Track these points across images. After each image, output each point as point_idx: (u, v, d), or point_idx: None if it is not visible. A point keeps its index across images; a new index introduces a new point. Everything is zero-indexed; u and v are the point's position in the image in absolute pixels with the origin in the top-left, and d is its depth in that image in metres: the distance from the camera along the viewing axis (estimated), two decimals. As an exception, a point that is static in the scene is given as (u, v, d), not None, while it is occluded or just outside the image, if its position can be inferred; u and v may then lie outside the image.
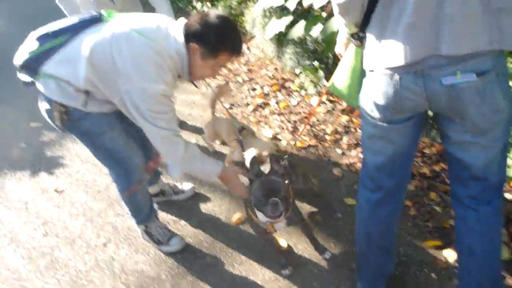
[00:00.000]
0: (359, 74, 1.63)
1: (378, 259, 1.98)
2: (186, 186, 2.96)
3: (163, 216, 2.80)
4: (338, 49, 1.92)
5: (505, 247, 2.24)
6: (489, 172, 1.59)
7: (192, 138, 3.58)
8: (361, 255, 2.00)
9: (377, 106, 1.55)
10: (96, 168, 3.36)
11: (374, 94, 1.55)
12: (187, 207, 2.88)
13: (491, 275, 1.75)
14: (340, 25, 1.79)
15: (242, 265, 2.43)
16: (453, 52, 1.34)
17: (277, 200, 1.91)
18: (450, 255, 2.35)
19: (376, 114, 1.58)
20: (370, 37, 1.52)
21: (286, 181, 2.07)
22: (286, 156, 2.21)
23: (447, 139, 1.60)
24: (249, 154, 2.55)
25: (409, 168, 1.82)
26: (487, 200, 1.65)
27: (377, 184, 1.77)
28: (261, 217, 2.05)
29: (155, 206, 2.64)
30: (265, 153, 2.49)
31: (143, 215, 2.53)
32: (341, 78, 1.69)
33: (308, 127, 3.58)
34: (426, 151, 3.12)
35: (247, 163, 2.45)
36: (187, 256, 2.51)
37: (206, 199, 2.94)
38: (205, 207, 2.87)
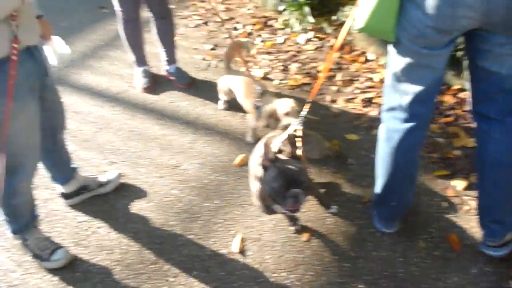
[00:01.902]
0: (397, 4, 1.53)
1: (402, 189, 1.97)
2: (111, 175, 2.51)
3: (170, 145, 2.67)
4: None
5: None
6: None
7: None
8: (385, 187, 1.97)
9: (427, 30, 1.48)
10: (79, 116, 3.14)
11: (425, 18, 1.46)
12: (187, 151, 2.76)
13: None
14: None
15: (252, 206, 2.36)
16: None
17: (298, 191, 1.70)
18: (458, 183, 2.38)
19: (422, 40, 1.52)
20: None
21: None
22: (301, 120, 2.01)
23: (484, 54, 1.58)
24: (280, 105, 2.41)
25: (438, 92, 1.79)
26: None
27: (411, 113, 1.73)
28: (278, 208, 1.86)
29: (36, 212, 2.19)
30: (285, 110, 2.37)
31: (22, 223, 2.08)
32: (373, 14, 1.56)
33: (298, 65, 3.47)
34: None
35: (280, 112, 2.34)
36: (193, 201, 2.42)
37: (204, 142, 2.82)
38: (204, 150, 2.75)
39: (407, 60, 1.61)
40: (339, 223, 2.24)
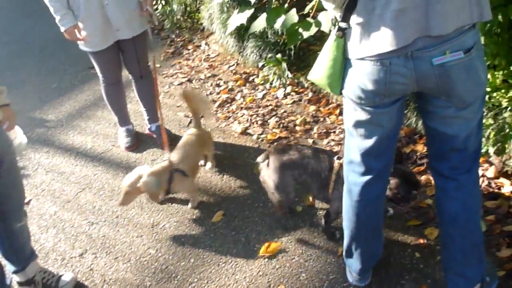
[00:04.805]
0: (340, 64, 1.63)
1: (368, 241, 2.00)
2: (66, 277, 2.34)
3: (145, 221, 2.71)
4: None
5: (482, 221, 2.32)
6: (469, 142, 1.66)
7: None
8: (351, 239, 2.01)
9: (365, 92, 1.56)
10: (62, 177, 3.21)
11: (362, 81, 1.54)
12: (166, 209, 2.80)
13: (473, 239, 1.83)
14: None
15: (227, 264, 2.39)
16: (442, 31, 1.37)
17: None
18: (431, 232, 2.41)
19: (363, 100, 1.59)
20: (355, 26, 1.50)
21: None
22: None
23: (430, 115, 1.65)
24: None
25: (395, 147, 1.85)
26: (466, 168, 1.73)
27: (366, 167, 1.78)
28: None
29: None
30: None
31: (22, 259, 2.15)
32: (321, 69, 1.67)
33: (276, 119, 3.58)
34: (395, 134, 3.17)
35: None
36: (170, 260, 2.45)
37: (184, 198, 2.87)
38: (182, 207, 2.80)
39: (355, 116, 1.68)
40: (313, 278, 2.26)
